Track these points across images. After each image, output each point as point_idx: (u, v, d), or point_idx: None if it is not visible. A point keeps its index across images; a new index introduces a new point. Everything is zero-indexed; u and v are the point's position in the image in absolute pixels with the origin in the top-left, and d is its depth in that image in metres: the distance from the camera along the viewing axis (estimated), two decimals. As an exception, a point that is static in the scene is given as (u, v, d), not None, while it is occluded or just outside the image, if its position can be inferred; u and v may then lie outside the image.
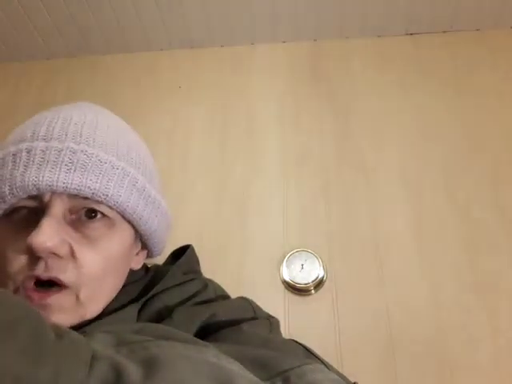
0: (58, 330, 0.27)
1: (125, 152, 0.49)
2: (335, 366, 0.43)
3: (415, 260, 1.21)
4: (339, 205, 1.33)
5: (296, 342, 0.45)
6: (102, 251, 0.45)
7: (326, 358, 0.43)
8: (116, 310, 0.46)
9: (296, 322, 1.16)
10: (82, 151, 0.44)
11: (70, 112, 0.49)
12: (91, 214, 0.45)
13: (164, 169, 1.45)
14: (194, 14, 1.60)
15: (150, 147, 1.50)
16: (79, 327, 0.35)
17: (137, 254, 0.54)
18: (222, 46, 1.73)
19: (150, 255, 0.57)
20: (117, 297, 0.49)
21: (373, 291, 1.18)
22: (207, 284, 0.53)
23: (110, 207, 0.45)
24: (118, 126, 0.53)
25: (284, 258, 1.23)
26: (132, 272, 0.53)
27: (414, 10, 1.56)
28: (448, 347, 1.09)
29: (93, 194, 0.43)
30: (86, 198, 0.44)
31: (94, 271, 0.44)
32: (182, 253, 0.58)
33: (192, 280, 0.53)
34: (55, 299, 0.42)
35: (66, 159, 0.43)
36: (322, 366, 0.39)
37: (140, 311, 0.47)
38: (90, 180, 0.43)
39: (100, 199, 0.44)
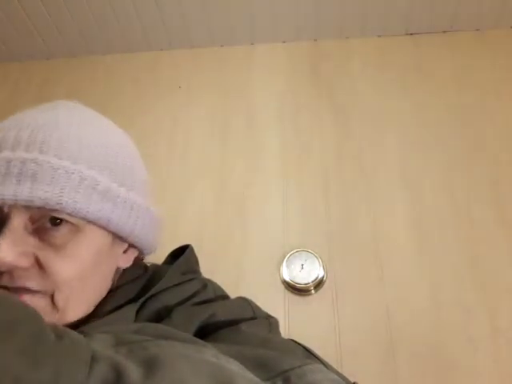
0: (57, 331, 0.27)
1: (86, 153, 0.46)
2: (335, 366, 0.43)
3: (415, 260, 1.21)
4: (339, 205, 1.33)
5: (295, 341, 0.45)
6: (70, 257, 0.44)
7: (326, 358, 0.43)
8: (113, 310, 0.46)
9: (296, 322, 1.16)
10: (31, 160, 0.42)
11: (31, 116, 0.48)
12: (55, 221, 0.43)
13: (164, 169, 1.46)
14: (194, 14, 1.60)
15: (150, 147, 1.51)
16: (76, 327, 0.35)
17: (124, 252, 0.53)
18: (221, 46, 1.73)
19: (141, 253, 0.56)
20: (115, 296, 0.49)
21: (373, 291, 1.18)
22: (206, 284, 0.53)
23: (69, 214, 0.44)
24: (84, 124, 0.50)
25: (284, 258, 1.23)
26: (130, 271, 0.53)
27: (414, 10, 1.56)
28: (448, 347, 1.09)
29: (45, 203, 0.42)
30: (42, 207, 0.42)
31: (64, 278, 0.43)
32: (181, 253, 0.58)
33: (191, 280, 0.52)
34: (29, 298, 0.42)
35: (16, 170, 0.42)
36: (322, 366, 0.38)
37: (138, 311, 0.46)
38: (41, 190, 0.42)
39: (54, 208, 0.42)
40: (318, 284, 1.19)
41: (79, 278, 0.45)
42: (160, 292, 0.49)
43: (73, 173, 0.44)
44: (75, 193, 0.44)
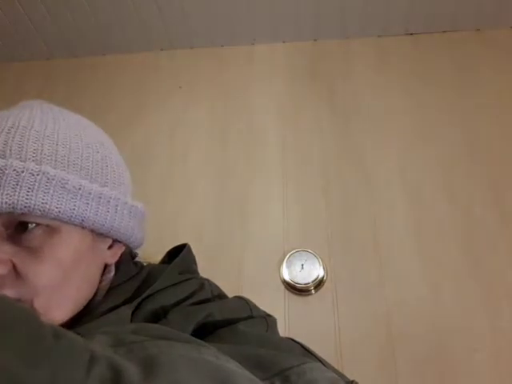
0: (55, 331, 0.27)
1: (51, 152, 0.45)
2: (335, 365, 0.42)
3: (415, 260, 1.21)
4: (339, 205, 1.33)
5: (293, 340, 0.45)
6: (47, 260, 0.43)
7: (326, 358, 0.43)
8: (109, 311, 0.46)
9: (296, 322, 1.15)
10: None
11: None
12: (27, 225, 0.42)
13: (164, 169, 1.46)
14: (194, 13, 1.60)
15: (150, 147, 1.51)
16: (71, 328, 0.35)
17: (109, 247, 0.52)
18: (222, 46, 1.73)
19: (129, 247, 0.55)
20: (110, 296, 0.48)
21: (373, 291, 1.18)
22: (204, 284, 0.52)
23: (40, 216, 0.43)
24: (49, 122, 0.49)
25: (284, 258, 1.23)
26: (125, 271, 0.52)
27: (414, 9, 1.56)
28: (448, 347, 1.09)
29: (13, 208, 0.41)
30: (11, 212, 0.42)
31: (45, 281, 0.42)
32: (179, 252, 0.57)
33: (188, 280, 0.52)
34: None
35: None
36: (320, 364, 0.38)
37: (134, 312, 0.46)
38: (7, 194, 0.41)
39: (23, 211, 0.41)
40: (318, 284, 1.19)
41: (61, 279, 0.44)
42: (157, 292, 0.48)
43: (38, 174, 0.43)
44: (43, 194, 0.43)
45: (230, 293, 0.56)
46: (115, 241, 0.52)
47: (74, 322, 0.45)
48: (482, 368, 1.06)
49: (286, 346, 0.44)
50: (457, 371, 1.06)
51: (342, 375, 0.40)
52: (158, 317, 0.46)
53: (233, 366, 0.31)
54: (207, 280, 0.55)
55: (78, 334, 0.30)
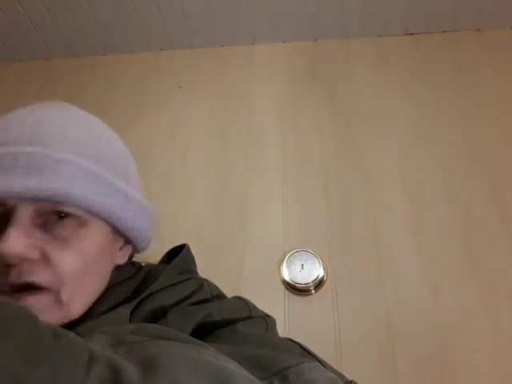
0: (55, 331, 0.27)
1: (87, 149, 0.47)
2: (335, 365, 0.43)
3: (415, 260, 1.21)
4: (339, 205, 1.33)
5: (292, 340, 0.45)
6: (75, 250, 0.44)
7: (326, 358, 0.43)
8: (108, 310, 0.46)
9: (296, 322, 1.16)
10: (37, 153, 0.43)
11: (29, 113, 0.48)
12: (60, 214, 0.44)
13: (164, 169, 1.46)
14: (194, 14, 1.60)
15: (151, 147, 1.51)
16: (70, 328, 0.35)
17: (120, 248, 0.53)
18: (222, 46, 1.73)
19: (136, 250, 0.57)
20: (109, 296, 0.49)
21: (373, 291, 1.18)
22: (203, 284, 0.53)
23: (76, 206, 0.44)
24: (80, 121, 0.51)
25: (284, 257, 1.23)
26: (124, 270, 0.52)
27: (414, 10, 1.56)
28: (448, 347, 1.09)
29: (53, 195, 0.42)
30: (49, 200, 0.43)
31: (69, 271, 0.43)
32: (178, 252, 0.57)
33: (187, 280, 0.52)
34: (35, 300, 0.42)
35: (21, 163, 0.42)
36: (319, 364, 0.39)
37: (133, 311, 0.46)
38: (48, 181, 0.42)
39: (61, 200, 0.43)
40: (318, 284, 1.19)
41: (85, 271, 0.45)
42: (156, 292, 0.49)
43: (78, 166, 0.45)
44: (81, 185, 0.44)
45: (230, 293, 0.56)
46: (126, 242, 0.53)
47: (73, 322, 0.45)
48: (482, 368, 1.06)
49: (285, 347, 0.44)
50: (457, 371, 1.06)
51: (340, 375, 0.40)
52: (157, 317, 0.46)
53: (232, 366, 0.31)
54: (206, 280, 0.55)
55: (78, 333, 0.30)
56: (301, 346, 0.43)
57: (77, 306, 0.45)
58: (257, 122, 1.53)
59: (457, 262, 1.20)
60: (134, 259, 0.58)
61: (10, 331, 0.25)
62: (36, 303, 0.42)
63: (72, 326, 0.44)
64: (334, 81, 1.58)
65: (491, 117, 1.43)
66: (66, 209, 0.44)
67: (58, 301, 0.43)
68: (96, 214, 0.46)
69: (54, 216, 0.44)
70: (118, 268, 0.53)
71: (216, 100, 1.60)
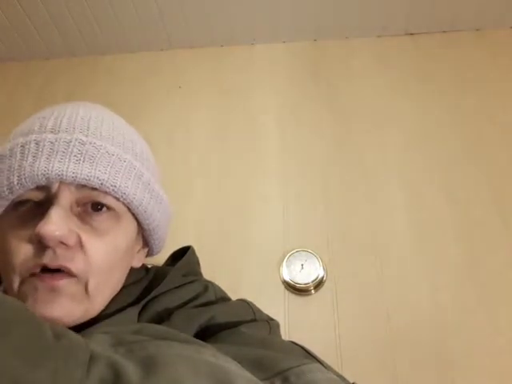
0: (56, 331, 0.27)
1: (130, 146, 0.50)
2: (335, 366, 0.43)
3: (415, 260, 1.21)
4: (339, 205, 1.33)
5: (295, 343, 0.45)
6: (108, 243, 0.45)
7: (326, 358, 0.43)
8: (116, 312, 0.46)
9: (296, 322, 1.15)
10: (90, 143, 0.45)
11: (76, 108, 0.50)
12: (97, 206, 0.45)
13: (164, 169, 1.45)
14: (194, 14, 1.60)
15: (150, 147, 1.51)
16: (79, 330, 0.35)
17: (138, 251, 0.54)
18: (221, 46, 1.73)
19: (150, 253, 0.57)
20: (117, 298, 0.49)
21: (373, 291, 1.18)
22: (208, 286, 0.53)
23: (117, 199, 0.46)
24: (121, 122, 0.55)
25: (284, 258, 1.23)
26: (132, 273, 0.53)
27: (414, 10, 1.56)
28: (448, 347, 1.09)
29: (101, 184, 0.44)
30: (93, 189, 0.45)
31: (101, 261, 0.44)
32: (182, 254, 0.58)
33: (192, 282, 0.52)
34: (65, 284, 0.42)
35: (76, 150, 0.43)
36: (321, 366, 0.39)
37: (140, 313, 0.46)
38: (99, 171, 0.44)
39: (108, 190, 0.45)
40: (318, 284, 1.19)
41: (110, 266, 0.46)
42: (161, 294, 0.49)
43: (124, 161, 0.47)
44: (127, 179, 0.46)
45: (230, 293, 0.56)
46: (143, 246, 0.55)
47: (84, 323, 0.45)
48: (482, 368, 1.06)
49: (287, 349, 0.44)
50: (457, 371, 1.06)
51: (342, 377, 0.40)
52: (162, 319, 0.46)
53: (232, 366, 0.31)
54: (211, 282, 0.55)
55: (80, 333, 0.30)
56: (304, 349, 0.44)
57: (99, 301, 0.46)
58: (257, 121, 1.53)
59: (457, 262, 1.20)
60: None
61: (10, 330, 0.25)
62: (66, 288, 0.42)
63: (82, 326, 0.44)
64: (333, 81, 1.58)
65: (491, 117, 1.43)
66: (105, 201, 0.46)
67: (85, 291, 0.44)
68: (132, 209, 0.48)
69: (92, 207, 0.45)
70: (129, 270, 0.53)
71: (216, 100, 1.60)
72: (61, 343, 0.27)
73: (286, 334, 1.13)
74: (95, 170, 0.44)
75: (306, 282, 1.18)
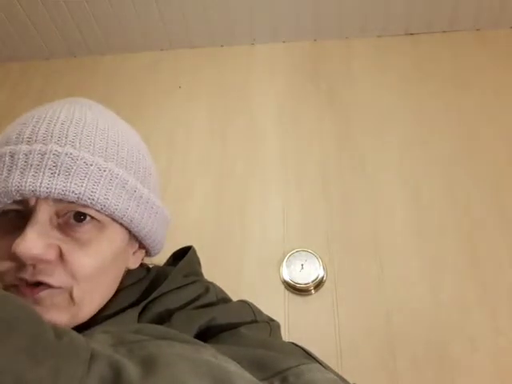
0: (57, 330, 0.28)
1: (114, 151, 0.47)
2: (335, 365, 0.43)
3: (415, 260, 1.21)
4: (339, 205, 1.33)
5: (295, 344, 0.45)
6: (92, 254, 0.44)
7: (326, 358, 0.43)
8: (117, 313, 0.46)
9: (296, 322, 1.16)
10: (66, 154, 0.43)
11: (59, 110, 0.48)
12: (79, 217, 0.44)
13: (164, 169, 1.46)
14: (194, 14, 1.60)
15: (150, 147, 1.50)
16: (79, 330, 0.35)
17: (134, 253, 0.53)
18: (221, 46, 1.73)
19: (148, 254, 0.57)
20: (117, 299, 0.49)
21: (373, 291, 1.18)
22: (209, 287, 0.52)
23: (98, 210, 0.44)
24: (109, 123, 0.51)
25: (284, 257, 1.23)
26: (132, 273, 0.52)
27: (414, 10, 1.56)
28: (448, 347, 1.09)
29: (78, 198, 0.42)
30: (72, 202, 0.43)
31: (85, 272, 0.43)
32: (183, 254, 0.57)
33: (193, 283, 0.52)
34: (46, 295, 0.41)
35: (50, 163, 0.42)
36: (320, 366, 0.38)
37: (140, 314, 0.46)
38: (75, 184, 0.42)
39: (86, 203, 0.43)
40: (318, 284, 1.19)
41: (100, 274, 0.45)
42: (162, 295, 0.49)
43: (104, 170, 0.44)
44: (107, 190, 0.44)
45: (230, 293, 0.56)
46: (140, 247, 0.54)
47: (84, 323, 0.45)
48: (482, 368, 1.06)
49: (287, 349, 0.44)
50: (457, 371, 1.06)
51: (342, 378, 0.40)
52: (162, 320, 0.46)
53: (232, 367, 0.31)
54: (212, 283, 0.55)
55: (80, 333, 0.30)
56: (304, 350, 0.43)
57: (87, 308, 0.45)
58: (257, 121, 1.53)
59: (457, 262, 1.20)
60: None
61: (12, 329, 0.25)
62: (49, 299, 0.42)
63: (82, 327, 0.44)
64: (333, 81, 1.58)
65: (491, 117, 1.43)
66: (88, 212, 0.44)
67: (71, 299, 0.43)
68: (117, 220, 0.46)
69: (75, 217, 0.44)
70: (128, 271, 0.53)
71: (216, 100, 1.60)
72: (62, 342, 0.27)
73: (286, 333, 1.13)
74: (71, 183, 0.42)
75: (306, 282, 1.19)
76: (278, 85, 1.60)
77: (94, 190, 0.43)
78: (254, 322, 0.49)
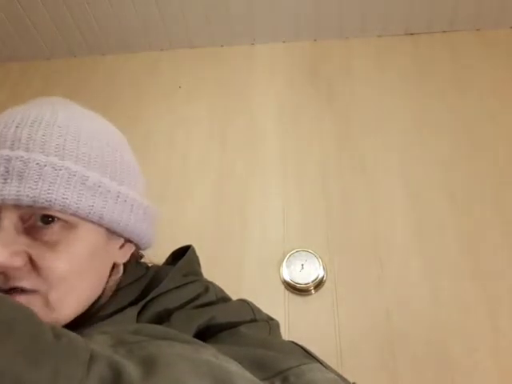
0: (56, 331, 0.28)
1: (73, 148, 0.46)
2: (335, 365, 0.42)
3: (415, 260, 1.21)
4: (339, 205, 1.33)
5: (295, 343, 0.45)
6: (63, 255, 0.43)
7: (326, 358, 0.43)
8: (115, 313, 0.46)
9: (296, 322, 1.15)
10: (17, 158, 0.42)
11: (16, 113, 0.48)
12: (46, 219, 0.43)
13: (164, 169, 1.46)
14: (194, 14, 1.60)
15: (150, 147, 1.51)
16: (77, 329, 0.35)
17: (120, 247, 0.52)
18: (221, 46, 1.73)
19: (139, 248, 0.56)
20: (116, 298, 0.48)
21: (373, 291, 1.18)
22: (208, 287, 0.52)
23: (60, 211, 0.43)
24: (70, 119, 0.49)
25: (284, 258, 1.23)
26: (131, 272, 0.52)
27: (414, 10, 1.56)
28: (448, 347, 1.09)
29: (34, 201, 0.41)
30: (30, 206, 0.42)
31: (58, 276, 0.43)
32: (183, 253, 0.57)
33: (192, 282, 0.52)
34: (24, 300, 0.41)
35: (2, 169, 0.41)
36: (321, 365, 0.38)
37: (139, 314, 0.46)
38: (29, 187, 0.41)
39: (43, 205, 0.42)
40: (318, 284, 1.19)
41: (75, 274, 0.44)
42: (161, 295, 0.48)
43: (60, 169, 0.43)
44: (64, 189, 0.43)
45: (230, 293, 0.56)
46: (126, 241, 0.52)
47: (80, 323, 0.45)
48: (482, 368, 1.06)
49: (287, 349, 0.44)
50: (457, 371, 1.06)
51: (343, 378, 0.40)
52: (161, 319, 0.46)
53: (232, 366, 0.31)
54: (211, 283, 0.55)
55: (82, 334, 0.30)
56: (304, 349, 0.43)
57: (67, 310, 0.44)
58: (257, 121, 1.53)
59: (457, 262, 1.20)
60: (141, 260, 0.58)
61: (11, 330, 0.25)
62: (26, 303, 0.41)
63: (79, 326, 0.43)
64: (333, 81, 1.58)
65: (491, 116, 1.43)
66: (52, 213, 0.43)
67: (47, 303, 0.43)
68: (84, 218, 0.45)
69: (41, 221, 0.43)
70: (126, 269, 0.53)
71: (216, 100, 1.60)
72: (61, 342, 0.27)
73: (286, 333, 1.13)
74: (24, 187, 0.41)
75: (306, 282, 1.18)
76: (278, 85, 1.60)
77: (50, 191, 0.42)
78: (254, 320, 0.49)
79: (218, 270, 1.17)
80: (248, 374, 0.31)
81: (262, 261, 1.25)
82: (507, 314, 1.12)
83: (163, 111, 1.60)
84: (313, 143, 1.46)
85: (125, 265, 0.53)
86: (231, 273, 1.23)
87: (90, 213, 0.45)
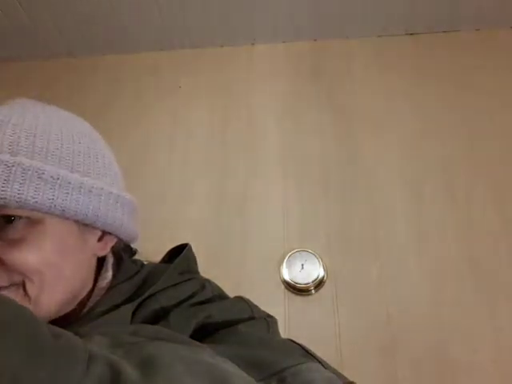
0: (54, 331, 0.28)
1: (29, 143, 0.45)
2: (335, 365, 0.42)
3: (415, 260, 1.21)
4: (339, 205, 1.33)
5: (293, 341, 0.45)
6: (30, 249, 0.43)
7: (326, 358, 0.43)
8: (109, 310, 0.46)
9: (296, 322, 1.16)
10: None
11: None
12: (8, 218, 0.42)
13: (164, 169, 1.46)
14: (194, 14, 1.60)
15: (150, 147, 1.51)
16: (71, 327, 0.35)
17: (99, 239, 0.52)
18: (221, 46, 1.73)
19: (122, 240, 0.55)
20: (110, 295, 0.48)
21: (373, 291, 1.18)
22: (205, 284, 0.52)
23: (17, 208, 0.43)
24: (26, 116, 0.50)
25: (284, 258, 1.23)
26: (125, 269, 0.52)
27: (414, 10, 1.56)
28: (448, 347, 1.09)
29: None
30: None
31: (30, 267, 0.43)
32: (179, 251, 0.57)
33: (189, 280, 0.52)
34: (5, 294, 0.41)
35: None
36: (319, 364, 0.38)
37: (135, 312, 0.46)
38: None
39: (0, 203, 0.41)
40: (318, 284, 1.19)
41: (49, 267, 0.44)
42: (157, 293, 0.48)
43: (12, 165, 0.43)
44: (19, 185, 0.42)
45: (230, 293, 0.56)
46: (106, 233, 0.52)
47: (74, 321, 0.45)
48: (482, 368, 1.06)
49: (286, 347, 0.43)
50: (457, 371, 1.06)
51: (341, 376, 0.39)
52: (158, 317, 0.46)
53: (229, 367, 0.31)
54: (208, 280, 0.54)
55: (78, 334, 0.30)
56: (302, 348, 0.43)
57: (47, 303, 0.44)
58: (257, 121, 1.53)
59: (457, 262, 1.20)
60: (136, 257, 0.58)
61: (9, 330, 0.25)
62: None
63: (72, 325, 0.43)
64: (333, 81, 1.58)
65: (491, 117, 1.43)
66: (12, 212, 0.42)
67: (25, 295, 0.43)
68: (47, 212, 0.44)
69: (4, 220, 0.42)
70: (120, 268, 0.52)
71: (216, 100, 1.60)
72: (59, 342, 0.27)
73: (286, 333, 1.13)
74: None
75: (306, 282, 1.19)
76: (278, 85, 1.60)
77: (3, 189, 0.42)
78: (252, 318, 0.49)
79: (218, 270, 1.17)
80: (245, 375, 0.31)
81: (262, 261, 1.25)
82: (507, 314, 1.12)
83: (163, 111, 1.60)
84: (313, 143, 1.46)
85: (119, 262, 0.53)
86: (231, 273, 1.23)
87: (50, 206, 0.44)
